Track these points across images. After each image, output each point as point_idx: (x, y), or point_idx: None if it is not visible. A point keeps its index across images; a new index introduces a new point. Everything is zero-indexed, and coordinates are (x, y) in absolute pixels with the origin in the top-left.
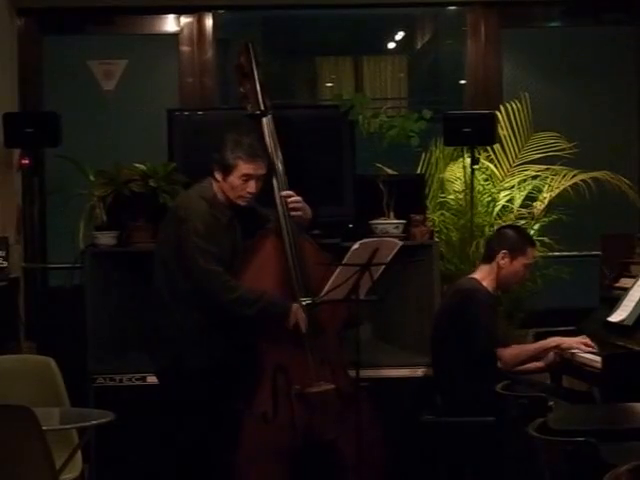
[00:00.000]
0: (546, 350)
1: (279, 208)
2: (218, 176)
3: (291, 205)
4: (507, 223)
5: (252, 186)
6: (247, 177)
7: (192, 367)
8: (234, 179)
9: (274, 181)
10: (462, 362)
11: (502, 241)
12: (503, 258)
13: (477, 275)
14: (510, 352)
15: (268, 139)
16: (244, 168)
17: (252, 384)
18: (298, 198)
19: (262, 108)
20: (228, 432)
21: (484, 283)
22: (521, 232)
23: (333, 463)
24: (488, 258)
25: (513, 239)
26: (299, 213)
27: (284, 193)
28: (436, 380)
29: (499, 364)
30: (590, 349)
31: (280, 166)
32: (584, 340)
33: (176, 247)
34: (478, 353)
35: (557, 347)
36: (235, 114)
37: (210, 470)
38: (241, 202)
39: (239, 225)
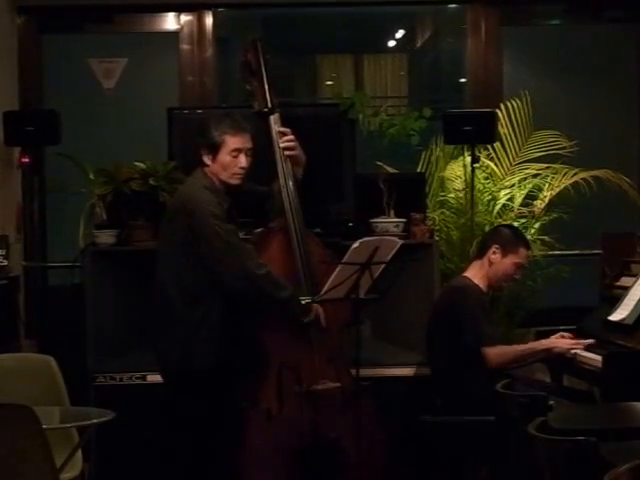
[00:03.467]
0: (535, 353)
1: (286, 206)
2: (207, 159)
3: (284, 144)
4: (507, 222)
5: (242, 160)
6: (236, 151)
7: (201, 366)
8: (224, 156)
9: (281, 180)
10: (456, 361)
11: (495, 237)
12: (494, 253)
13: (468, 273)
14: (495, 352)
15: (276, 137)
16: (232, 142)
17: (257, 381)
18: (292, 137)
19: (269, 106)
20: (232, 429)
21: (475, 280)
22: (516, 232)
23: (336, 461)
24: (480, 253)
25: (507, 236)
26: (295, 152)
27: (281, 129)
28: (434, 380)
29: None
30: (580, 345)
31: (286, 164)
32: (575, 342)
33: (187, 245)
34: (467, 351)
35: (548, 351)
36: (235, 112)
37: (214, 467)
38: (234, 180)
39: (236, 212)
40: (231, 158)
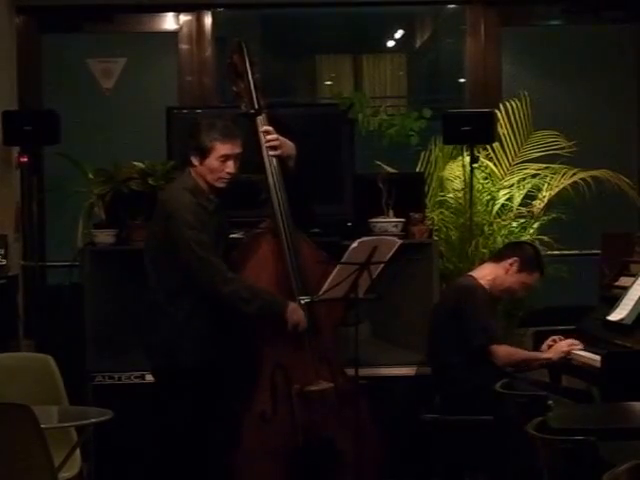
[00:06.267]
0: (537, 361)
1: (275, 207)
2: (195, 161)
3: (268, 144)
4: (506, 222)
5: (230, 166)
6: (225, 158)
7: (187, 365)
8: (212, 161)
9: (269, 180)
10: (459, 359)
11: (519, 250)
12: (512, 264)
13: (476, 273)
14: (505, 350)
15: (263, 138)
16: (221, 149)
17: (250, 383)
18: (275, 136)
19: (256, 107)
20: (226, 431)
21: (482, 282)
22: (539, 255)
23: (332, 462)
24: (498, 258)
25: (530, 254)
26: (277, 152)
27: (264, 129)
28: (434, 378)
29: (493, 361)
30: (579, 347)
31: (275, 166)
32: (571, 342)
33: (165, 244)
34: (474, 348)
35: (549, 360)
36: (233, 112)
37: (208, 469)
38: (220, 184)
39: (224, 212)
40: (219, 163)
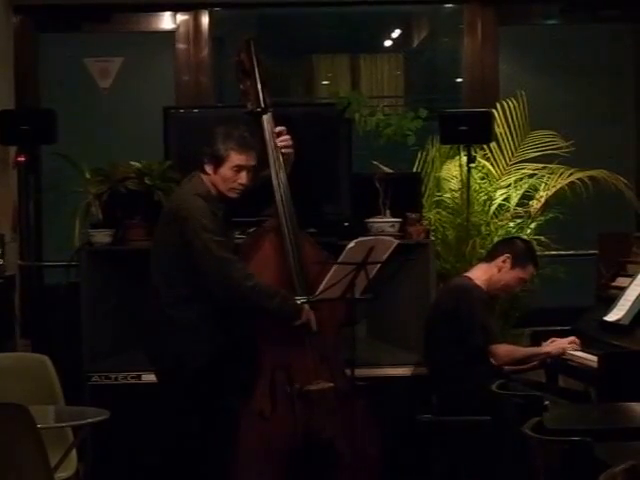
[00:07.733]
0: (537, 356)
1: (279, 206)
2: (209, 169)
3: (282, 143)
4: (503, 222)
5: (243, 177)
6: (239, 168)
7: (193, 367)
8: (226, 171)
9: (274, 180)
10: (457, 360)
11: (510, 246)
12: (504, 261)
13: (471, 274)
14: (505, 348)
15: (268, 137)
16: (236, 159)
17: (251, 381)
18: (288, 136)
19: (262, 106)
20: (226, 430)
21: (477, 282)
22: (530, 247)
23: (330, 461)
24: (490, 258)
25: (521, 249)
26: (290, 150)
27: (277, 129)
28: (431, 379)
29: (492, 360)
30: (577, 347)
31: (280, 165)
32: (572, 340)
33: (179, 248)
34: (473, 349)
35: (548, 355)
36: (231, 112)
37: (208, 468)
38: (232, 194)
39: (230, 219)
40: (233, 173)
